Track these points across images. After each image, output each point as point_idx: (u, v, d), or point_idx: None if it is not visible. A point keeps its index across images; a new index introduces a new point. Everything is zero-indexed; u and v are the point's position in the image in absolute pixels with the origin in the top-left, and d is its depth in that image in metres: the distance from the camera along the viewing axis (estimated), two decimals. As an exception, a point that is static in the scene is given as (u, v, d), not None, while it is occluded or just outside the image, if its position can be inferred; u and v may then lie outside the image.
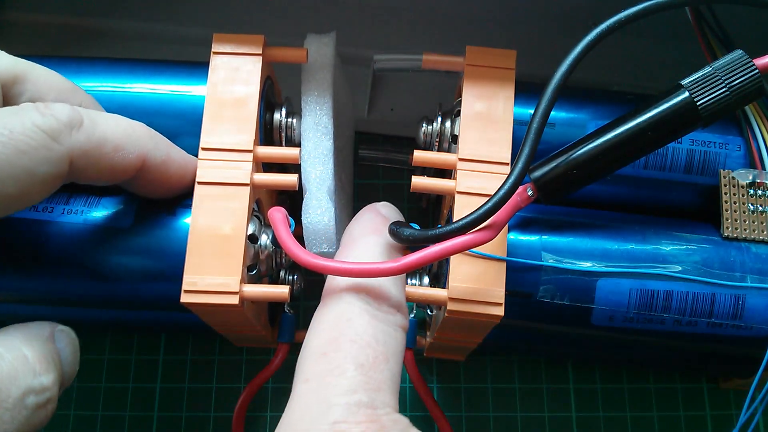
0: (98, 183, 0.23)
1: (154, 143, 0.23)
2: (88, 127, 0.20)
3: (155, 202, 0.27)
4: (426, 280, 0.31)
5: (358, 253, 0.24)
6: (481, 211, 0.23)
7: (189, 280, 0.25)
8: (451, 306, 0.25)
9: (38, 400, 0.19)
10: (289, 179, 0.27)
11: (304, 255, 0.23)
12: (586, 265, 0.27)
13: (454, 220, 0.24)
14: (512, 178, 0.23)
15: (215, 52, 0.28)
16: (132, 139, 0.22)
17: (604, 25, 0.24)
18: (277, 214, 0.25)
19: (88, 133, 0.20)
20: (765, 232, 0.27)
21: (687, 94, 0.24)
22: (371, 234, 0.25)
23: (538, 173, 0.25)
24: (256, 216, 0.28)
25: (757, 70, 0.23)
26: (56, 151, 0.19)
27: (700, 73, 0.24)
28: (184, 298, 0.25)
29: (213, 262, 0.25)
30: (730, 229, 0.28)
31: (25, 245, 0.27)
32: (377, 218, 0.26)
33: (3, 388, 0.18)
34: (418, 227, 0.25)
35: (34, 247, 0.26)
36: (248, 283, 0.27)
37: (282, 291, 0.26)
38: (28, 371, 0.19)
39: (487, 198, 0.23)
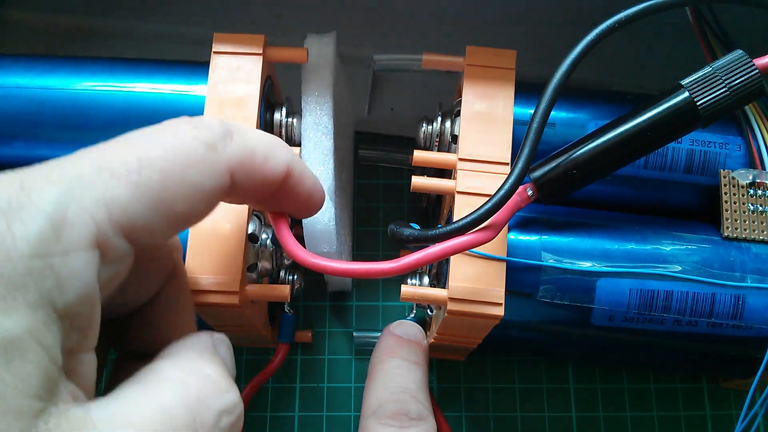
0: (249, 202, 0.22)
1: (293, 152, 0.22)
2: (238, 138, 0.19)
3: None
4: (426, 280, 0.31)
5: (381, 382, 0.28)
6: (481, 211, 0.23)
7: (189, 280, 0.25)
8: (451, 306, 0.25)
9: (231, 419, 0.17)
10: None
11: (304, 254, 0.23)
12: (586, 265, 0.27)
13: (454, 220, 0.24)
14: (512, 178, 0.23)
15: (216, 52, 0.28)
16: (276, 148, 0.20)
17: (604, 25, 0.24)
18: (277, 213, 0.25)
19: (239, 143, 0.19)
20: (765, 232, 0.27)
21: (687, 94, 0.24)
22: (387, 358, 0.29)
23: (538, 173, 0.25)
24: (256, 215, 0.28)
25: (757, 70, 0.23)
26: (218, 162, 0.18)
27: (700, 73, 0.24)
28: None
29: (213, 262, 0.25)
30: (730, 229, 0.28)
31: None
32: (391, 340, 0.30)
33: (197, 416, 0.16)
34: (418, 227, 0.25)
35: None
36: (248, 282, 0.27)
37: (282, 290, 0.26)
38: (215, 392, 0.17)
39: (487, 198, 0.23)
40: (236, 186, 0.19)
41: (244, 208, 0.26)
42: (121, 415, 0.15)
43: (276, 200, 0.21)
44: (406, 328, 0.32)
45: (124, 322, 0.21)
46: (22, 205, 0.15)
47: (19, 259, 0.14)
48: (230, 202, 0.21)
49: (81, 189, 0.15)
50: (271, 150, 0.20)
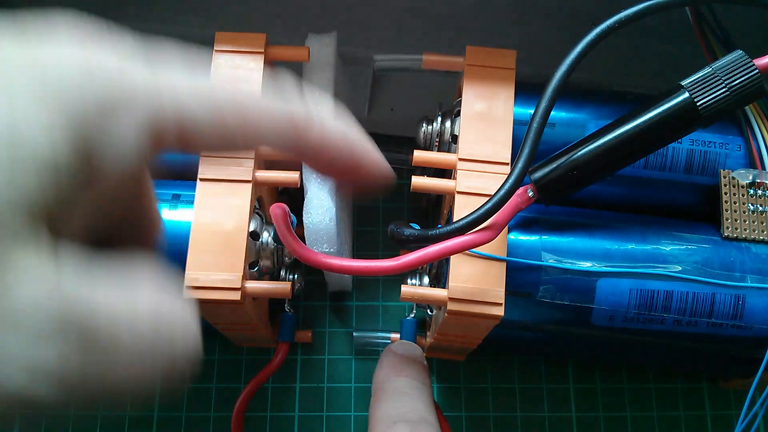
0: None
1: (363, 138, 0.22)
2: (318, 128, 0.19)
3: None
4: (426, 280, 0.31)
5: (392, 400, 0.28)
6: (481, 211, 0.23)
7: (191, 276, 0.25)
8: (451, 306, 0.25)
9: (188, 366, 0.15)
10: (290, 176, 0.27)
11: (306, 251, 0.23)
12: (586, 265, 0.27)
13: (454, 220, 0.24)
14: (512, 178, 0.23)
15: (217, 51, 0.28)
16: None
17: (604, 25, 0.24)
18: (279, 211, 0.25)
19: (317, 134, 0.19)
20: (765, 232, 0.27)
21: (687, 94, 0.24)
22: (395, 377, 0.29)
23: (538, 174, 0.25)
24: (257, 213, 0.28)
25: (757, 71, 0.23)
26: (300, 138, 0.18)
27: (700, 74, 0.24)
28: (186, 294, 0.25)
29: (215, 259, 0.25)
30: (730, 229, 0.28)
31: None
32: (395, 359, 0.30)
33: (157, 341, 0.14)
34: (418, 227, 0.25)
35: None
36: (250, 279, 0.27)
37: (284, 286, 0.26)
38: (185, 330, 0.15)
39: (487, 198, 0.23)
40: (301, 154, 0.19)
41: (246, 206, 0.26)
42: (89, 286, 0.13)
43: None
44: (407, 347, 0.31)
45: None
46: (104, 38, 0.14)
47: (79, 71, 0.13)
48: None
49: (164, 68, 0.15)
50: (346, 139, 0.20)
